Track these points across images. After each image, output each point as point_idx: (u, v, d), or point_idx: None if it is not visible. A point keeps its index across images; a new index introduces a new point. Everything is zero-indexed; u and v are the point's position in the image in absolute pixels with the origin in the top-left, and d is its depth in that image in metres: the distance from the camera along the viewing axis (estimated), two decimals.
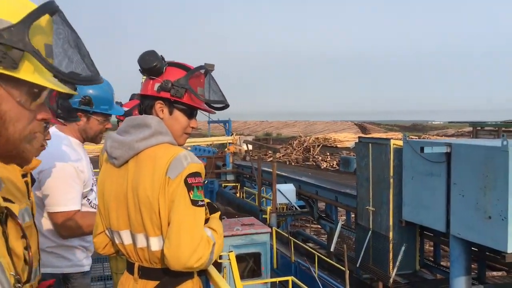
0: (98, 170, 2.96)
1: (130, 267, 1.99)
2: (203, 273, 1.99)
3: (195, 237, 1.78)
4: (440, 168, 7.55)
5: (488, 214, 6.53)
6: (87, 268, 2.72)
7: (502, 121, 30.68)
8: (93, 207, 2.70)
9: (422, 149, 7.51)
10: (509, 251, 6.25)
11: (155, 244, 1.87)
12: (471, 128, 32.00)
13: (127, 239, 1.94)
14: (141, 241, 1.90)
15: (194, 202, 1.81)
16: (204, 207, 1.88)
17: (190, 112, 2.01)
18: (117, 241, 2.00)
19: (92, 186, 2.72)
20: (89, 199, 2.70)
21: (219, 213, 2.07)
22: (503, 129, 26.57)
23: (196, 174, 1.85)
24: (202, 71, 2.02)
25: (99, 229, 2.08)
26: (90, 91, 2.64)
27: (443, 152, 7.42)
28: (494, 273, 11.28)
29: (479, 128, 29.73)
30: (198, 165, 1.87)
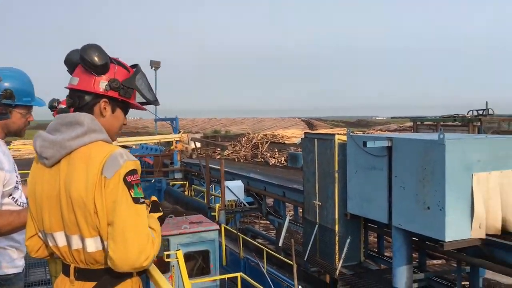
0: None
1: (65, 269, 1.92)
2: (143, 272, 1.95)
3: (142, 236, 1.76)
4: (382, 162, 7.80)
5: (427, 205, 6.82)
6: (17, 270, 2.59)
7: (440, 115, 32.16)
8: (20, 205, 2.58)
9: (364, 143, 7.73)
10: (447, 239, 6.55)
11: (91, 245, 1.82)
12: (412, 123, 33.41)
13: (61, 241, 1.87)
14: (76, 243, 1.84)
15: (136, 200, 1.79)
16: (145, 204, 1.87)
17: (127, 110, 2.02)
18: (50, 244, 1.92)
19: (17, 184, 2.60)
20: (14, 197, 2.57)
21: (159, 214, 2.06)
22: (441, 123, 27.89)
23: (133, 172, 1.82)
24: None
25: (31, 231, 2.00)
26: (6, 84, 2.52)
27: (384, 146, 7.66)
28: (434, 262, 11.83)
29: (419, 122, 31.05)
30: (134, 163, 1.84)
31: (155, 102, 2.06)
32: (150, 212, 2.04)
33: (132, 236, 1.73)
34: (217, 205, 14.22)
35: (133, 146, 24.01)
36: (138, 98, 2.01)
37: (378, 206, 7.94)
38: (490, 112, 31.38)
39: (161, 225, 2.01)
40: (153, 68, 33.11)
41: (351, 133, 8.86)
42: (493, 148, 6.91)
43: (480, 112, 31.32)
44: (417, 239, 7.93)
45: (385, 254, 9.71)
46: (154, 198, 2.15)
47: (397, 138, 7.71)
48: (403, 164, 7.33)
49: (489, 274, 10.71)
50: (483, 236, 6.68)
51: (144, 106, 2.05)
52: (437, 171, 6.63)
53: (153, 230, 1.88)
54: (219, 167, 14.28)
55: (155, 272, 1.93)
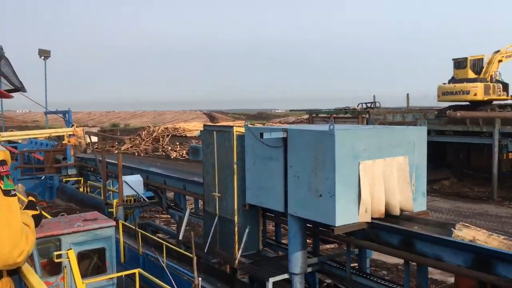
0: None
1: None
2: (15, 272, 1.82)
3: (14, 229, 1.64)
4: (278, 153, 8.05)
5: (319, 193, 7.17)
6: None
7: (333, 108, 34.15)
8: None
9: (261, 135, 7.91)
10: (337, 224, 6.95)
11: None
12: (308, 115, 35.04)
13: None
14: None
15: (7, 192, 1.67)
16: (16, 197, 1.74)
17: None
18: None
19: None
20: None
21: (35, 212, 1.94)
22: (334, 115, 29.65)
23: (2, 163, 1.69)
24: None
25: None
26: None
27: (280, 137, 7.92)
28: (327, 246, 12.52)
29: (315, 115, 32.75)
30: (3, 153, 1.71)
31: (22, 88, 1.93)
32: (24, 209, 1.92)
33: (4, 231, 1.61)
34: (115, 201, 13.78)
35: (20, 141, 22.30)
36: (3, 85, 1.86)
37: (274, 196, 8.19)
38: (377, 105, 33.82)
39: (37, 225, 1.89)
40: (42, 57, 30.94)
41: (248, 125, 9.02)
42: (377, 138, 7.46)
43: (369, 104, 33.63)
44: (311, 226, 8.32)
45: (282, 241, 10.07)
46: (31, 198, 2.02)
47: (291, 129, 7.99)
48: (298, 154, 7.63)
49: (375, 255, 11.57)
50: (369, 220, 7.20)
51: (13, 94, 1.91)
52: (328, 160, 6.99)
53: (27, 226, 1.76)
54: (117, 162, 13.79)
55: (29, 273, 1.80)
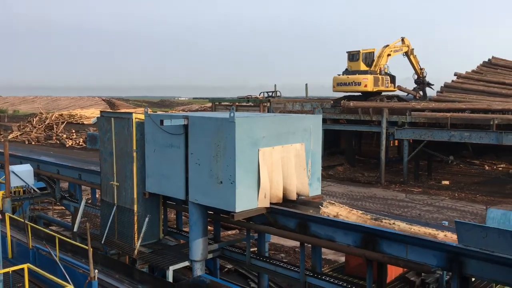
0: None
1: None
2: None
3: None
4: (179, 140, 7.97)
5: (220, 179, 7.24)
6: None
7: (236, 97, 34.58)
8: None
9: (161, 122, 7.76)
10: (237, 210, 7.08)
11: None
12: (211, 103, 35.13)
13: None
14: None
15: None
16: None
17: None
18: None
19: None
20: None
21: None
22: (237, 103, 30.03)
23: None
24: None
25: None
26: None
27: (181, 124, 7.83)
28: (229, 232, 12.72)
29: (218, 103, 32.91)
30: None
31: None
32: None
33: None
34: (1, 192, 12.74)
35: None
36: None
37: (175, 183, 8.11)
38: (278, 94, 34.84)
39: None
40: None
41: (149, 112, 8.79)
42: (276, 125, 7.68)
43: (270, 94, 34.52)
44: (212, 213, 8.38)
45: (184, 229, 10.02)
46: None
47: (192, 116, 7.94)
48: (199, 141, 7.61)
49: (274, 239, 12.00)
50: (268, 205, 7.43)
51: None
52: (228, 147, 7.08)
53: None
54: (3, 150, 12.74)
55: None
